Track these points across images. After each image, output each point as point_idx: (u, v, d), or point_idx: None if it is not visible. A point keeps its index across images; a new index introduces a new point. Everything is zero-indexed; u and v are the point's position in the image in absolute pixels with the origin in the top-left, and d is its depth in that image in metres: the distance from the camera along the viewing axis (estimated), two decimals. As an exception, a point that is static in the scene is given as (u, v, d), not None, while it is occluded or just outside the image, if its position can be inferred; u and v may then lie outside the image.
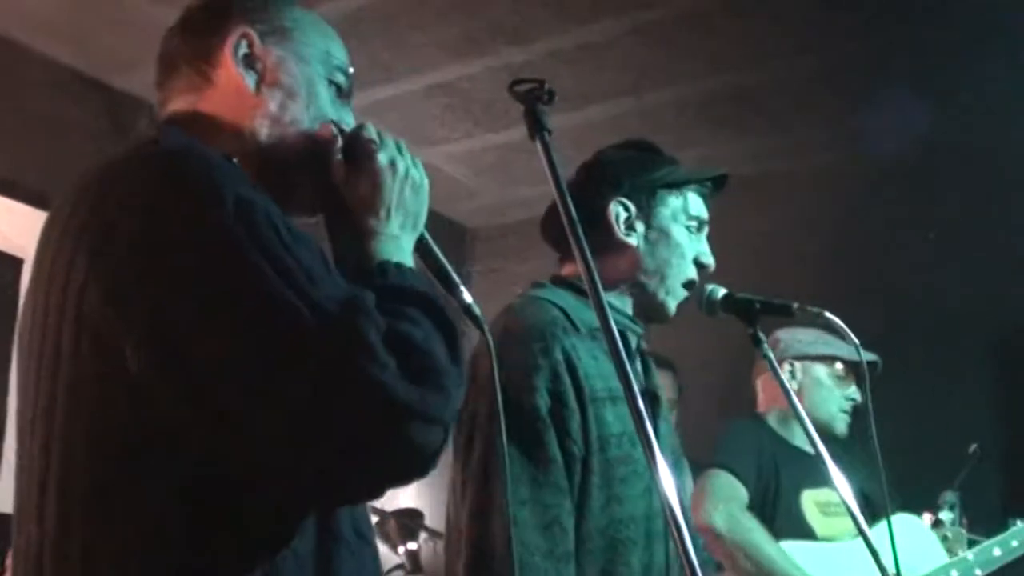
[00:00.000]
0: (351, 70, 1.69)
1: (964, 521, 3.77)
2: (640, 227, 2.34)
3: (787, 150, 5.37)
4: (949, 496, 3.79)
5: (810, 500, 3.40)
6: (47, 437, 1.36)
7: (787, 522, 3.32)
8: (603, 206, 2.32)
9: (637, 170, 2.38)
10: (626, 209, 2.33)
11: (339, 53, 1.68)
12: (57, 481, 1.34)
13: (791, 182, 5.42)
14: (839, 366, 3.58)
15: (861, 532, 2.13)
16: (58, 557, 1.32)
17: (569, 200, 1.56)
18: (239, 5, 1.63)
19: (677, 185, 2.37)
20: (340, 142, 1.59)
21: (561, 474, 2.08)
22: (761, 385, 3.71)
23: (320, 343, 1.26)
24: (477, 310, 1.66)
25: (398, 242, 1.53)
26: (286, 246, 1.31)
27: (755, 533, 3.25)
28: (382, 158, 1.56)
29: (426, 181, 1.62)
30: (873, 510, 3.41)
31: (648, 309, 2.36)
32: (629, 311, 2.33)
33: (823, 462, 2.18)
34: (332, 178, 1.57)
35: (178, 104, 1.61)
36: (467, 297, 1.65)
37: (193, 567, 1.30)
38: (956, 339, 4.81)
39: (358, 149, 1.58)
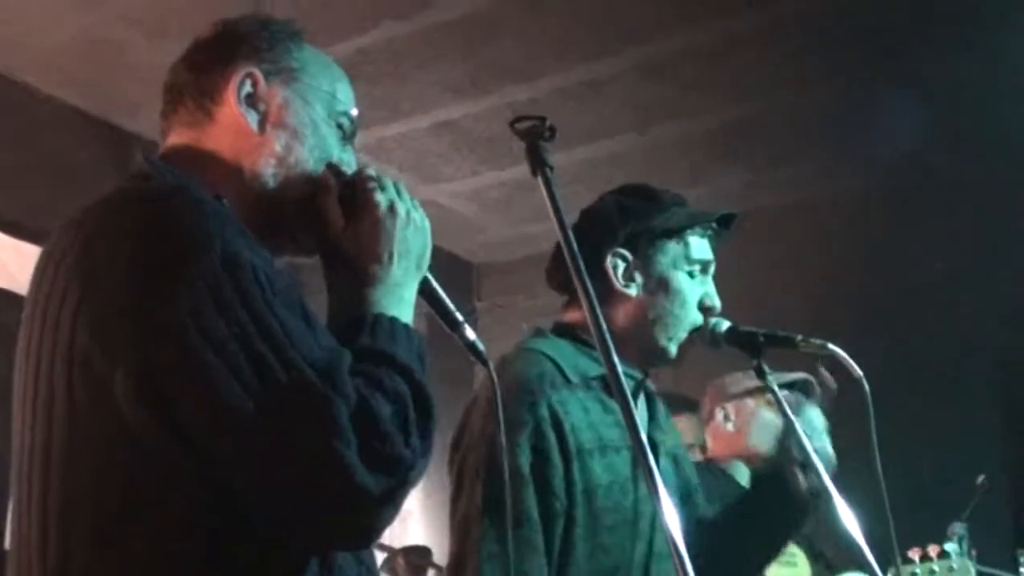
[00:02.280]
0: (355, 112, 1.69)
1: (973, 553, 3.75)
2: (639, 277, 2.30)
3: (792, 182, 5.38)
4: (957, 527, 3.76)
5: None
6: (45, 473, 1.37)
7: None
8: (601, 259, 2.29)
9: (634, 219, 2.32)
10: (624, 260, 2.30)
11: (345, 95, 1.68)
12: (57, 518, 1.34)
13: (797, 214, 5.42)
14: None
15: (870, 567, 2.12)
16: None
17: (571, 236, 1.57)
18: (246, 43, 1.62)
19: (676, 232, 2.33)
20: (337, 189, 1.58)
21: (536, 532, 2.08)
22: (708, 434, 3.66)
23: (290, 410, 1.28)
24: (481, 347, 1.66)
25: (399, 291, 1.53)
26: (268, 303, 1.32)
27: None
28: (382, 202, 1.55)
29: (427, 223, 1.61)
30: (822, 562, 3.40)
31: (650, 355, 2.33)
32: (627, 358, 2.32)
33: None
34: (329, 224, 1.57)
35: (178, 138, 1.61)
36: (471, 335, 1.66)
37: None
38: (962, 369, 4.80)
39: (358, 194, 1.57)
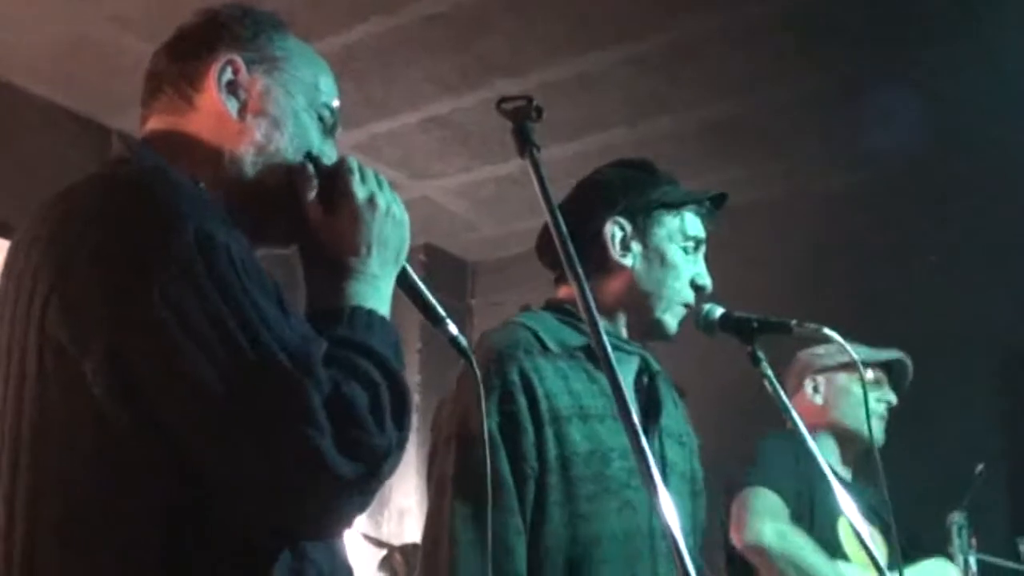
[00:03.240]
0: (337, 103, 1.69)
1: (972, 541, 3.75)
2: (636, 247, 2.33)
3: (785, 175, 5.37)
4: (956, 517, 3.76)
5: (847, 526, 3.27)
6: (14, 460, 1.35)
7: (822, 547, 3.22)
8: (599, 226, 2.32)
9: (634, 189, 2.37)
10: (622, 229, 2.33)
11: (327, 87, 1.68)
12: (24, 508, 1.33)
13: (790, 208, 5.41)
14: (868, 372, 3.44)
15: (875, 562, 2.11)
16: None
17: (560, 218, 1.55)
18: (229, 31, 1.62)
19: (675, 205, 2.36)
20: (315, 180, 1.58)
21: (510, 495, 2.10)
22: (796, 403, 3.63)
23: (263, 395, 1.27)
24: (463, 342, 1.67)
25: (376, 283, 1.52)
26: (243, 286, 1.31)
27: (807, 550, 3.16)
28: (361, 194, 1.55)
29: (406, 216, 1.60)
30: (895, 542, 3.36)
31: (646, 328, 2.35)
32: (623, 333, 2.33)
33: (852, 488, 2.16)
34: (307, 214, 1.56)
35: (158, 124, 1.61)
36: (452, 329, 1.66)
37: None
38: (960, 359, 4.79)
39: (337, 184, 1.56)
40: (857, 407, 3.37)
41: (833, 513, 3.26)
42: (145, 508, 1.30)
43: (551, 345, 2.23)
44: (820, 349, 3.57)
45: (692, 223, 2.38)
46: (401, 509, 5.90)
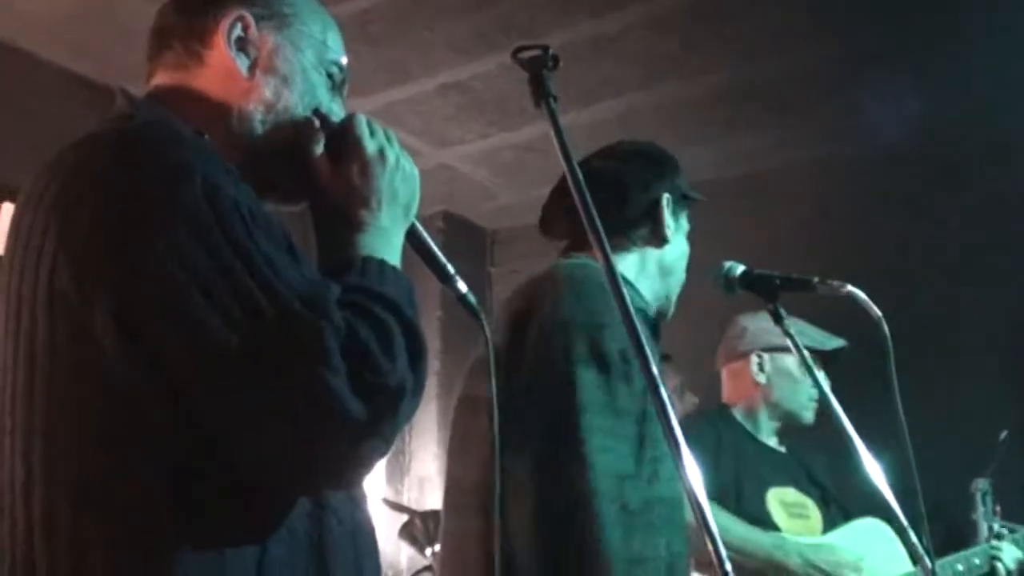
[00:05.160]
0: (345, 60, 1.68)
1: (997, 509, 3.72)
2: (673, 225, 2.36)
3: (801, 142, 5.33)
4: (981, 484, 3.74)
5: (775, 499, 3.29)
6: (29, 417, 1.33)
7: (751, 520, 3.19)
8: (658, 195, 2.34)
9: (674, 170, 2.41)
10: (667, 204, 2.35)
11: (335, 44, 1.67)
12: (42, 465, 1.31)
13: (807, 174, 5.38)
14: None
15: (895, 518, 2.08)
16: (48, 549, 1.29)
17: (577, 169, 1.52)
18: None
19: (691, 198, 2.42)
20: (322, 135, 1.57)
21: (632, 426, 2.03)
22: (727, 375, 3.58)
23: (277, 339, 1.25)
24: (473, 299, 1.65)
25: (387, 236, 1.51)
26: (251, 234, 1.29)
27: (719, 518, 3.15)
28: (370, 147, 1.54)
29: (416, 171, 1.59)
30: (835, 510, 3.36)
31: (661, 304, 2.38)
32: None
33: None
34: (315, 171, 1.55)
35: (163, 79, 1.59)
36: (462, 287, 1.65)
37: (184, 550, 1.27)
38: (985, 326, 4.76)
39: (347, 139, 1.55)
40: (799, 390, 3.41)
41: (762, 485, 3.28)
42: (158, 465, 1.28)
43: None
44: (766, 323, 3.54)
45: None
46: (421, 477, 5.92)
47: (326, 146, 1.56)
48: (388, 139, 1.57)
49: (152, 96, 1.57)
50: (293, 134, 1.57)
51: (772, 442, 3.44)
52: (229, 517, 1.30)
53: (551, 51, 1.56)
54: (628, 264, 2.30)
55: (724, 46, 4.65)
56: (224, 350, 1.23)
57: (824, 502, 3.34)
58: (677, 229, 2.36)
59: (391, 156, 1.55)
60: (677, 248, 2.36)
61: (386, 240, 1.50)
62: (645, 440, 2.05)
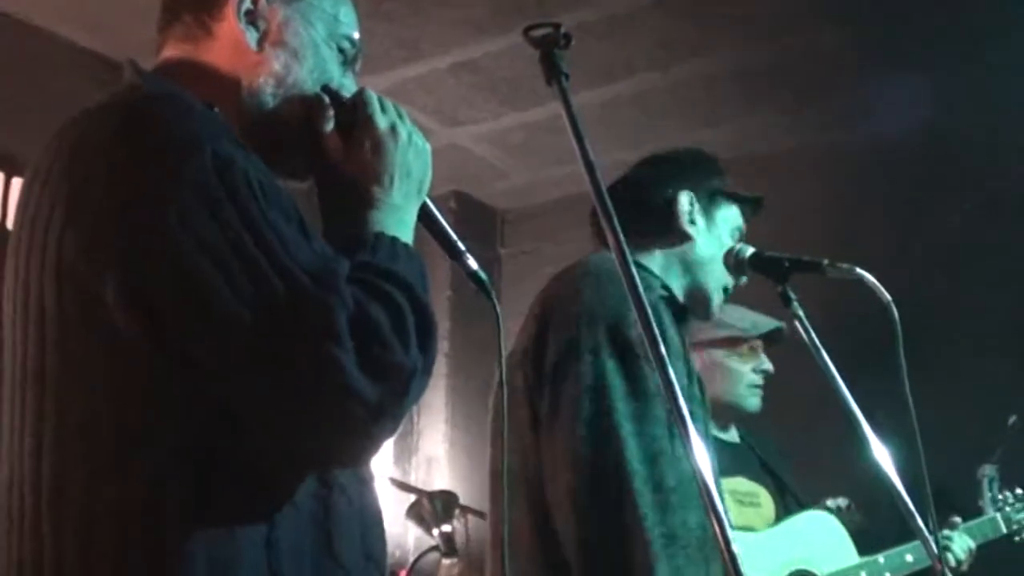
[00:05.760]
0: (357, 35, 1.66)
1: (1003, 495, 3.72)
2: (701, 222, 2.43)
3: (813, 125, 5.30)
4: (988, 469, 3.73)
5: (724, 490, 3.23)
6: (39, 392, 1.33)
7: None
8: (673, 194, 2.42)
9: (703, 171, 2.51)
10: (691, 203, 2.43)
11: (348, 18, 1.66)
12: (52, 439, 1.31)
13: (819, 156, 5.35)
14: (742, 345, 3.45)
15: (909, 506, 2.07)
16: (56, 519, 1.30)
17: (588, 147, 1.52)
18: None
19: (734, 198, 2.51)
20: (332, 111, 1.56)
21: (661, 406, 2.06)
22: None
23: (285, 315, 1.25)
24: (483, 276, 1.64)
25: (400, 213, 1.50)
26: (261, 208, 1.29)
27: None
28: (382, 123, 1.53)
29: (428, 147, 1.58)
30: (790, 499, 3.36)
31: (694, 301, 2.43)
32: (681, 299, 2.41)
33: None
34: (325, 147, 1.55)
35: (172, 52, 1.59)
36: (473, 264, 1.64)
37: (194, 523, 1.27)
38: (993, 309, 4.74)
39: (358, 115, 1.54)
40: (735, 382, 3.41)
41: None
42: (169, 437, 1.29)
43: None
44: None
45: (739, 217, 2.52)
46: (429, 457, 5.92)
47: (336, 122, 1.55)
48: (400, 115, 1.56)
49: (161, 69, 1.57)
50: (304, 109, 1.56)
51: (723, 435, 3.42)
52: (239, 492, 1.30)
53: (563, 29, 1.55)
54: (653, 259, 2.39)
55: (737, 27, 4.61)
56: (234, 325, 1.23)
57: (779, 491, 3.34)
58: (709, 226, 2.44)
59: (403, 132, 1.54)
60: (708, 244, 2.43)
61: (398, 217, 1.50)
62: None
